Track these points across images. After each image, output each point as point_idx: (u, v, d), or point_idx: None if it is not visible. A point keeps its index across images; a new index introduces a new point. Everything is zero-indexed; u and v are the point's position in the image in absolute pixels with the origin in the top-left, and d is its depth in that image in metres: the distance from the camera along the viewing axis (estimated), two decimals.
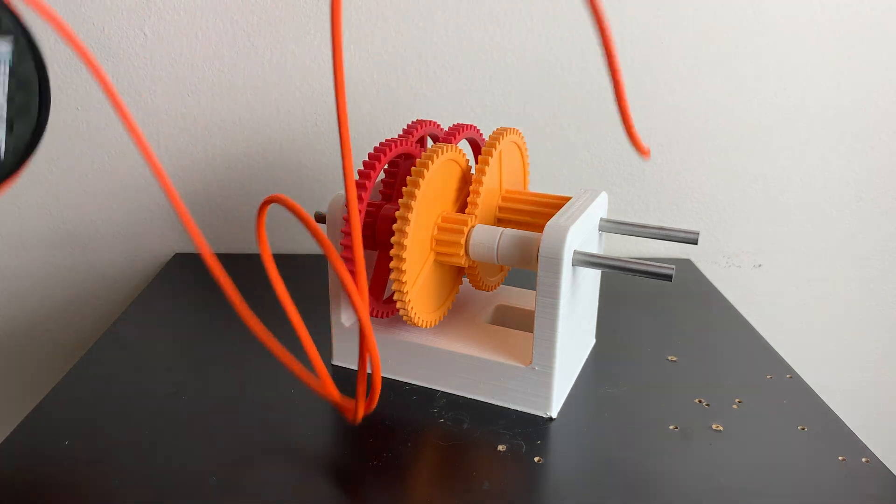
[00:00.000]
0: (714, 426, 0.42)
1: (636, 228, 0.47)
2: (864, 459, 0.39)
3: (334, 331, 0.48)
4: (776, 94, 0.68)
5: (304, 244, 0.72)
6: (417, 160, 0.41)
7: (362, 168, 0.42)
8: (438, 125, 0.50)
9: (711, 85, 0.67)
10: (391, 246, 0.40)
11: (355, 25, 0.65)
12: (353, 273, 0.31)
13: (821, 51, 0.67)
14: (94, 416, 0.43)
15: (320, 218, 0.47)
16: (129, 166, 0.68)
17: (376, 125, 0.68)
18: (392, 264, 0.40)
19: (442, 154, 0.41)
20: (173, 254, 0.71)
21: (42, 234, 0.70)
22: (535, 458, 0.39)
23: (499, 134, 0.46)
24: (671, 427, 0.42)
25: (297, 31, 0.65)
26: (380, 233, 0.44)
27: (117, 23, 0.64)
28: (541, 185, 0.71)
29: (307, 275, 0.65)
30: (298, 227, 0.72)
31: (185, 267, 0.68)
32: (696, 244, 0.53)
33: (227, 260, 0.69)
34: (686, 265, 0.70)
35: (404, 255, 0.39)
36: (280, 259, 0.69)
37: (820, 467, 0.39)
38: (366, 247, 0.45)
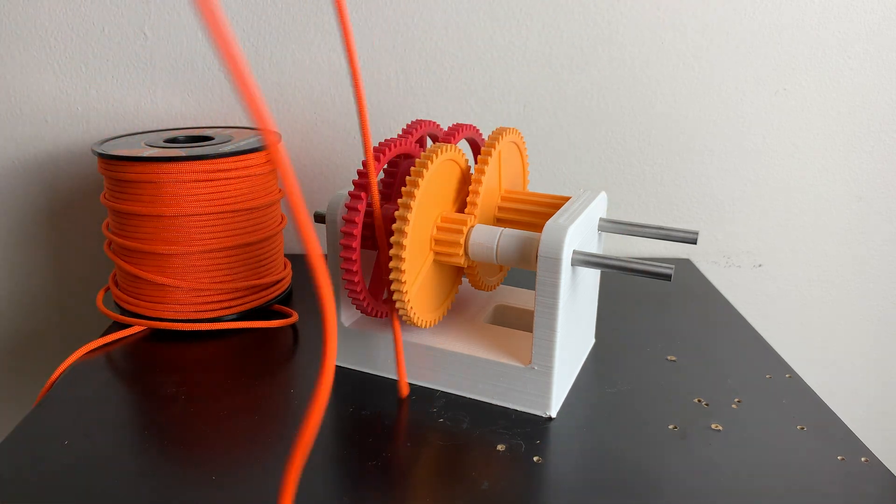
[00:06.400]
0: (713, 426, 0.42)
1: (635, 228, 0.47)
2: (863, 459, 0.39)
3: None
4: (776, 94, 0.68)
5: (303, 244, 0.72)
6: (417, 160, 0.41)
7: (361, 168, 0.42)
8: (438, 125, 0.50)
9: (711, 85, 0.68)
10: (391, 246, 0.40)
11: (356, 25, 0.65)
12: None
13: (821, 51, 0.67)
14: (95, 416, 0.43)
15: (320, 218, 0.47)
16: None
17: (376, 125, 0.68)
18: (391, 264, 0.40)
19: (441, 154, 0.41)
20: None
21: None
22: (535, 458, 0.39)
23: (498, 134, 0.46)
24: (670, 427, 0.42)
25: (298, 31, 0.65)
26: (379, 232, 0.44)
27: (117, 23, 0.64)
28: (541, 185, 0.71)
29: (307, 275, 0.65)
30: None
31: None
32: (696, 244, 0.53)
33: None
34: (686, 265, 0.70)
35: (404, 255, 0.39)
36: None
37: (819, 467, 0.39)
38: (365, 247, 0.45)
